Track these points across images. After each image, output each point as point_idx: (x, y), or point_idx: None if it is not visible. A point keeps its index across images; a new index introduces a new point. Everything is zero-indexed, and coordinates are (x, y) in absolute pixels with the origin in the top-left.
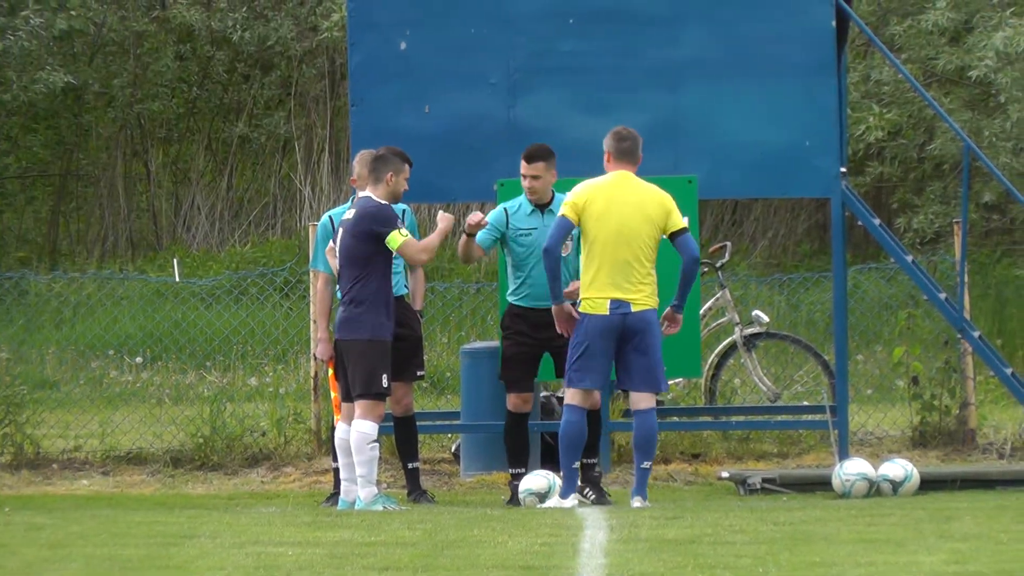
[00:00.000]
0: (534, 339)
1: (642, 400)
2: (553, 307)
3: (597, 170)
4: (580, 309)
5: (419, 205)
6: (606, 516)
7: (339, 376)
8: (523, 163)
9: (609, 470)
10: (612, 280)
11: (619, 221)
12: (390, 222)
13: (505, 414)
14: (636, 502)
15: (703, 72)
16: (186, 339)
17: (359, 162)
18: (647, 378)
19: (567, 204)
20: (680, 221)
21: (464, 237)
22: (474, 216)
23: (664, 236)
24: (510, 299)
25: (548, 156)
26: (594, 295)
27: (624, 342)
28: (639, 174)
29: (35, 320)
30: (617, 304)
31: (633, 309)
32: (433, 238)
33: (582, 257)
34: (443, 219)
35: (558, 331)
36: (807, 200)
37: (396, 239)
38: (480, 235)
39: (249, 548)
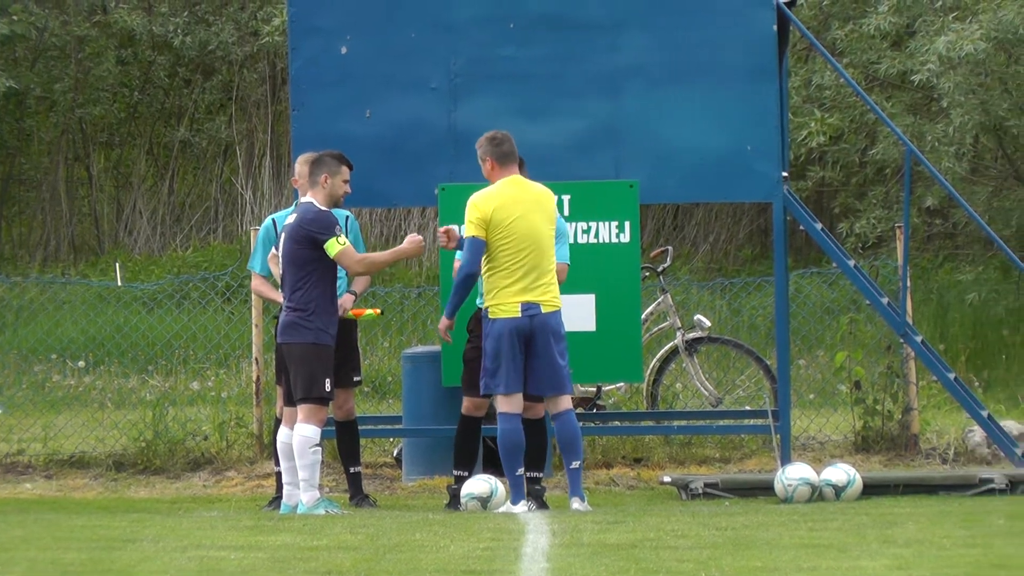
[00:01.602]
0: None
1: (558, 403)
2: (443, 320)
3: (535, 174)
4: (490, 315)
5: (360, 210)
6: (548, 521)
7: (281, 380)
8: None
9: (551, 474)
10: (524, 285)
11: (527, 226)
12: (328, 228)
13: (459, 417)
14: (575, 503)
15: (644, 78)
16: (128, 343)
17: (301, 162)
18: (554, 381)
19: (472, 223)
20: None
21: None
22: (447, 231)
23: None
24: (477, 301)
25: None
26: (505, 300)
27: (530, 344)
28: (573, 177)
29: None
30: (528, 306)
31: (543, 310)
32: (385, 256)
33: (485, 265)
34: (411, 241)
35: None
36: (749, 205)
37: (334, 246)
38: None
39: (192, 552)
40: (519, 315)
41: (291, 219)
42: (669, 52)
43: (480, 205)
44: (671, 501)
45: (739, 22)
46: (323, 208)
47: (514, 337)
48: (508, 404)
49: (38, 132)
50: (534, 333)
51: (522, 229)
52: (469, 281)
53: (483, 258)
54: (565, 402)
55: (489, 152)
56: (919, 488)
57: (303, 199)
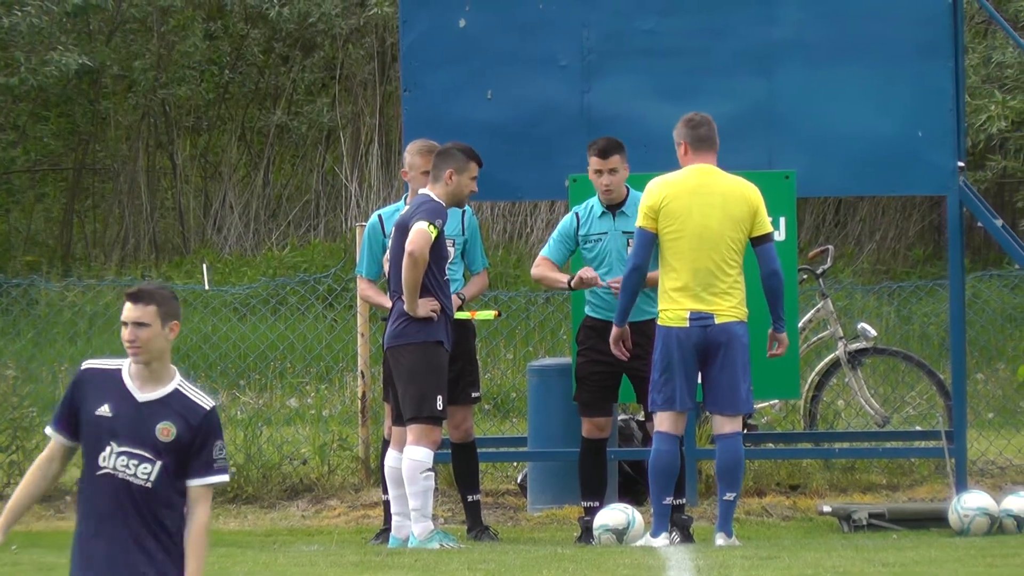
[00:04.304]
0: (612, 356)
1: (725, 423)
2: (614, 330)
3: (675, 163)
4: (659, 322)
5: (481, 204)
6: (692, 556)
7: (389, 396)
8: (595, 159)
9: (696, 503)
10: (692, 290)
11: (699, 223)
12: (430, 213)
13: (580, 440)
14: (719, 539)
15: (802, 54)
16: (217, 355)
17: (411, 152)
18: (728, 399)
19: (642, 211)
20: (766, 224)
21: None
22: (585, 272)
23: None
24: (585, 310)
25: (623, 148)
26: (672, 306)
27: (706, 358)
28: (721, 167)
29: (46, 333)
30: (698, 316)
31: (716, 321)
32: (415, 285)
33: (659, 263)
34: (424, 305)
35: (612, 352)
36: (920, 199)
37: (421, 225)
38: (550, 248)
39: None
40: (687, 325)
41: (403, 214)
42: (830, 25)
43: (652, 192)
44: (831, 533)
45: None
46: (440, 201)
47: (685, 350)
48: (673, 424)
49: (115, 116)
50: (710, 343)
51: (691, 226)
52: (634, 276)
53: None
54: (734, 424)
55: (683, 135)
56: None
57: (421, 191)
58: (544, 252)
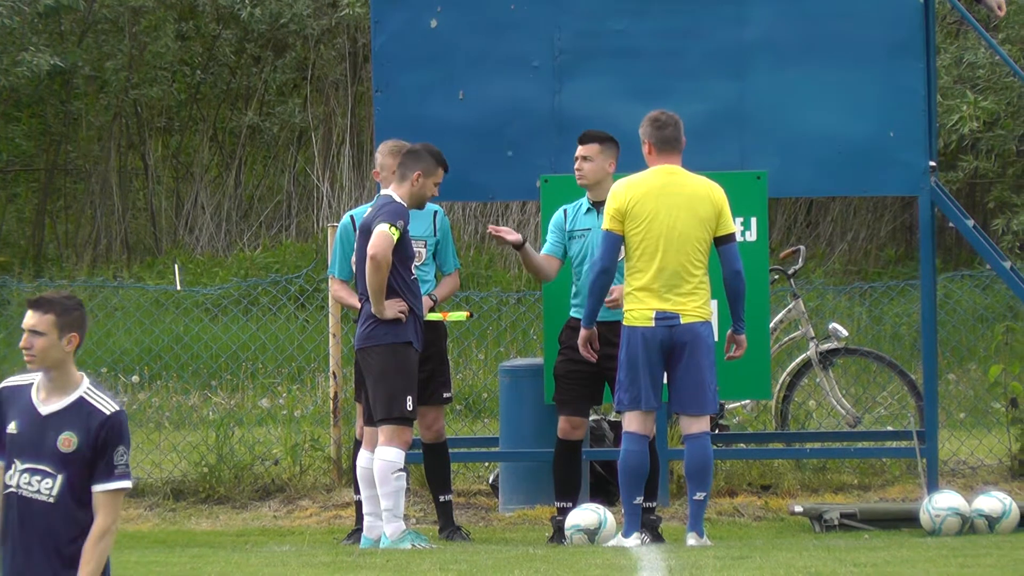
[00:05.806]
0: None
1: (692, 424)
2: (582, 331)
3: (645, 164)
4: (624, 322)
5: (452, 204)
6: (664, 556)
7: (361, 396)
8: (578, 145)
9: (668, 503)
10: (658, 290)
11: (665, 223)
12: (391, 215)
13: (553, 441)
14: (691, 539)
15: (773, 54)
16: (189, 355)
17: (383, 152)
18: (695, 399)
19: (609, 213)
20: (730, 224)
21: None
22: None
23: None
24: (572, 312)
25: (605, 140)
26: (638, 306)
27: (671, 358)
28: (693, 168)
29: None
30: (663, 316)
31: (682, 321)
32: (380, 287)
33: (625, 263)
34: (391, 307)
35: (581, 353)
36: (891, 199)
37: (383, 227)
38: (548, 245)
39: None
40: (652, 324)
41: (366, 216)
42: (802, 26)
43: (618, 194)
44: (803, 534)
45: None
46: (402, 203)
47: (651, 350)
48: (639, 424)
49: (87, 116)
50: (676, 344)
51: (659, 227)
52: (601, 279)
53: (625, 252)
54: (702, 424)
55: (648, 135)
56: None
57: (384, 191)
58: (544, 250)
